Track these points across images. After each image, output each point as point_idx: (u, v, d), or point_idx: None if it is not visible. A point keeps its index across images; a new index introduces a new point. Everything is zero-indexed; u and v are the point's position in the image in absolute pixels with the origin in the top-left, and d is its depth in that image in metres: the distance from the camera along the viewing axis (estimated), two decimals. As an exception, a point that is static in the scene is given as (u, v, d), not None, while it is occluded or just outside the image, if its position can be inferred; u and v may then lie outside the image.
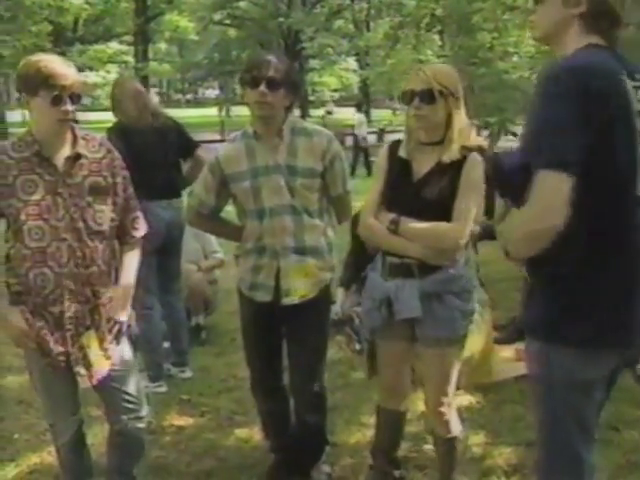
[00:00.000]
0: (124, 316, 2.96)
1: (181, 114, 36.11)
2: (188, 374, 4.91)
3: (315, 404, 3.41)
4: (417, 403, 3.98)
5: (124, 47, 37.50)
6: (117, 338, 2.94)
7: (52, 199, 2.75)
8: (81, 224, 2.79)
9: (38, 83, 2.66)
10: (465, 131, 2.87)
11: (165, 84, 64.45)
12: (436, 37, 24.20)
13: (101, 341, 2.89)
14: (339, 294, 5.85)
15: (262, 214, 3.14)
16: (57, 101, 2.68)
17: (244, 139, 3.19)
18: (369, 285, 3.11)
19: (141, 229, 3.05)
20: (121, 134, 4.33)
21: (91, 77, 40.35)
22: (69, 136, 2.83)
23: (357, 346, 5.21)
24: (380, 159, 3.08)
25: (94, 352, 2.87)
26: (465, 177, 2.84)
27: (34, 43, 20.26)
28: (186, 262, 5.65)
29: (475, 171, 2.84)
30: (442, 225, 2.83)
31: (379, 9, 31.46)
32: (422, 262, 2.88)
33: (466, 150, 2.87)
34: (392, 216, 2.90)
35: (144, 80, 35.03)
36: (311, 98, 46.12)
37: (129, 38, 38.19)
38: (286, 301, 3.18)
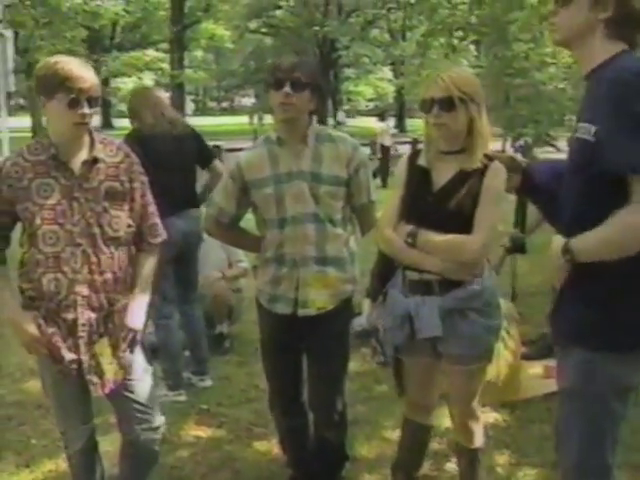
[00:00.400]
0: (139, 324, 2.89)
1: (216, 121, 36.42)
2: (208, 383, 4.84)
3: (335, 421, 3.31)
4: (441, 419, 3.86)
5: (160, 54, 37.90)
6: (131, 347, 2.88)
7: (68, 203, 2.70)
8: (97, 230, 2.74)
9: (55, 85, 2.61)
10: (486, 139, 2.77)
11: (202, 92, 64.88)
12: (472, 47, 24.14)
13: (114, 349, 2.83)
14: (365, 305, 5.72)
15: (283, 222, 3.05)
16: (74, 104, 2.63)
17: (267, 145, 3.11)
18: (389, 302, 3.02)
19: (159, 236, 2.99)
20: (138, 141, 4.25)
21: (128, 84, 40.94)
22: (86, 140, 2.78)
23: (382, 358, 5.08)
24: (399, 169, 2.99)
25: (107, 360, 2.81)
26: (486, 186, 2.75)
27: (68, 48, 20.43)
28: (212, 270, 5.62)
29: (497, 180, 2.75)
30: (462, 237, 2.73)
31: (411, 17, 31.39)
32: (442, 277, 2.79)
33: (488, 158, 2.77)
34: (410, 228, 2.81)
35: (179, 87, 35.43)
36: (346, 107, 46.21)
37: (165, 46, 38.52)
38: (302, 312, 3.09)
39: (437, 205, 2.79)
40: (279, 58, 3.12)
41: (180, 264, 4.59)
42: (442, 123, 2.73)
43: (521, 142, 10.18)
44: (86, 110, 2.65)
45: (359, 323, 5.48)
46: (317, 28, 34.81)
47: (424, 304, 2.82)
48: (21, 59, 21.07)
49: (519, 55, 14.27)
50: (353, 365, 4.98)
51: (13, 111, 30.13)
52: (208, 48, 44.82)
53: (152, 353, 4.88)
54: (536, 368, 4.91)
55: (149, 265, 2.96)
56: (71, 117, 2.65)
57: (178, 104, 35.51)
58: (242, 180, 3.11)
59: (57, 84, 2.60)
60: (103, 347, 2.81)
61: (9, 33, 12.36)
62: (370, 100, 55.20)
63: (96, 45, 31.66)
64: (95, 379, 2.79)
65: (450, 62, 16.19)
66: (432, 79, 2.78)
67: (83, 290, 2.72)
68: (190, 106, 41.02)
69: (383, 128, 18.84)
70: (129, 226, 2.84)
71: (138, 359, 2.94)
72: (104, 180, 2.77)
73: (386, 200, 2.99)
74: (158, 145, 4.31)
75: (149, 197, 2.95)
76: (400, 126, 40.79)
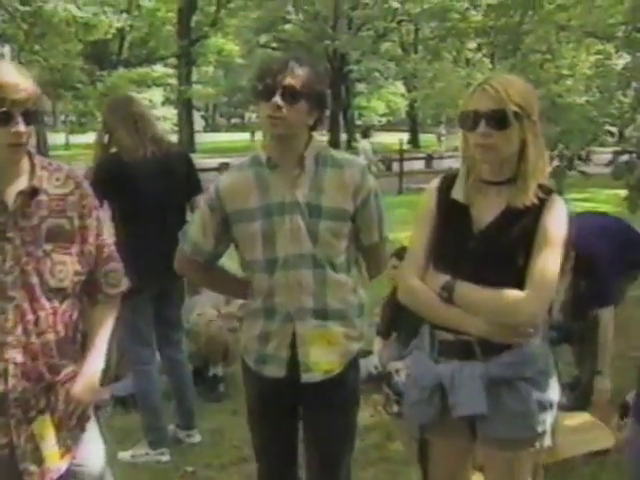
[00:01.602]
0: (91, 396, 2.31)
1: (226, 138, 36.07)
2: (196, 438, 4.23)
3: None
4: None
5: (169, 70, 37.55)
6: (81, 425, 2.30)
7: (-2, 246, 2.12)
8: (35, 279, 2.16)
9: None
10: (543, 167, 2.16)
11: (211, 108, 64.66)
12: (486, 60, 23.68)
13: (58, 429, 2.25)
14: (376, 344, 5.20)
15: (273, 266, 2.46)
16: (6, 120, 2.04)
17: (254, 167, 2.52)
18: (415, 368, 2.42)
19: (119, 285, 2.41)
20: (113, 167, 3.71)
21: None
22: (25, 166, 2.20)
23: (395, 408, 4.50)
24: (426, 200, 2.36)
25: (48, 444, 2.23)
26: (543, 227, 2.14)
27: (62, 62, 20.01)
28: (207, 307, 5.11)
29: (557, 219, 2.15)
30: (512, 293, 2.12)
31: (422, 28, 31.02)
32: (485, 339, 2.19)
33: (545, 191, 2.17)
34: (445, 279, 2.21)
35: (187, 103, 35.07)
36: (358, 122, 45.77)
37: (174, 61, 38.22)
38: (307, 378, 2.49)
39: (479, 251, 2.19)
40: (269, 60, 2.53)
41: (161, 302, 4.00)
42: (490, 144, 2.12)
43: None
44: (21, 128, 2.06)
45: (373, 364, 5.04)
46: (327, 42, 34.47)
47: (462, 372, 2.21)
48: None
49: (535, 67, 13.75)
50: (362, 416, 4.39)
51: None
52: (218, 63, 44.48)
53: (132, 402, 4.35)
54: (574, 420, 4.27)
55: (106, 322, 2.40)
56: (3, 136, 2.06)
57: (186, 120, 35.26)
58: (222, 211, 2.52)
59: None
60: (43, 427, 2.23)
61: (7, 49, 11.94)
62: (382, 115, 54.80)
63: (103, 61, 31.32)
64: (32, 468, 2.21)
65: (463, 74, 15.64)
66: (478, 87, 2.18)
67: (16, 356, 2.15)
68: (199, 122, 40.59)
69: (365, 146, 17.48)
70: (77, 273, 2.25)
71: (90, 439, 2.36)
72: (46, 216, 2.19)
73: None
74: (139, 171, 3.70)
75: (106, 237, 2.37)
76: (413, 141, 40.29)
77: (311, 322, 2.47)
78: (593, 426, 4.07)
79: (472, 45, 17.56)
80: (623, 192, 5.46)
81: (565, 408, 4.33)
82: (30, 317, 2.15)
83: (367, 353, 5.09)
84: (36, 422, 2.20)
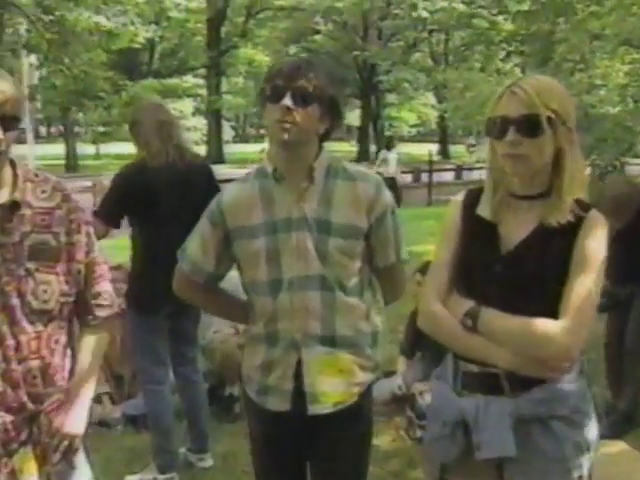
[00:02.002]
0: (79, 428, 2.12)
1: (254, 148, 36.12)
2: (208, 462, 4.01)
3: None
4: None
5: (199, 80, 37.66)
6: (67, 458, 2.11)
7: (-25, 264, 1.94)
8: (16, 300, 1.98)
9: None
10: (581, 179, 1.93)
11: (242, 118, 64.85)
12: (517, 70, 23.35)
13: (42, 464, 2.07)
14: (400, 364, 4.96)
15: (278, 287, 2.24)
16: None
17: (259, 179, 2.30)
18: (436, 400, 2.17)
19: (110, 307, 2.21)
20: (137, 174, 3.57)
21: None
22: (7, 176, 2.02)
23: (419, 433, 4.25)
24: (451, 215, 2.12)
25: (30, 478, 2.04)
26: (581, 248, 1.89)
27: (84, 71, 20.02)
28: (224, 324, 4.91)
29: (596, 239, 1.90)
30: (545, 324, 1.86)
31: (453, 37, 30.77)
32: (513, 372, 1.94)
33: (582, 207, 1.93)
34: (469, 305, 1.97)
35: (216, 114, 35.10)
36: (388, 134, 45.56)
37: (204, 72, 38.36)
38: (315, 410, 2.25)
39: (507, 274, 1.95)
40: (280, 62, 2.31)
41: (176, 318, 3.80)
42: (520, 154, 1.88)
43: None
44: (-1, 134, 1.88)
45: (398, 384, 4.78)
46: (357, 53, 34.41)
47: (488, 408, 1.96)
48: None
49: (566, 73, 13.46)
50: (383, 441, 4.19)
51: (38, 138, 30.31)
52: (247, 74, 44.58)
53: (143, 422, 4.17)
54: (610, 449, 3.99)
55: (96, 347, 2.20)
56: None
57: (216, 131, 35.31)
58: (224, 227, 2.30)
59: None
60: (25, 460, 2.06)
61: (32, 58, 11.92)
62: (413, 126, 54.49)
63: (133, 71, 31.48)
64: (13, 506, 2.02)
65: (494, 83, 15.33)
66: (505, 90, 1.93)
67: (-5, 385, 1.96)
68: (229, 133, 40.63)
69: (387, 158, 16.54)
70: (64, 294, 2.07)
71: (80, 474, 2.17)
72: (30, 232, 2.01)
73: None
74: (161, 179, 3.54)
75: (97, 255, 2.18)
76: (443, 152, 39.99)
77: (318, 349, 2.24)
78: (631, 457, 3.79)
79: (502, 54, 17.28)
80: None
81: (603, 435, 4.07)
82: (10, 342, 1.98)
83: (390, 373, 4.88)
84: (17, 455, 2.04)
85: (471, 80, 17.18)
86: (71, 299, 2.09)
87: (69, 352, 2.14)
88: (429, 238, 9.17)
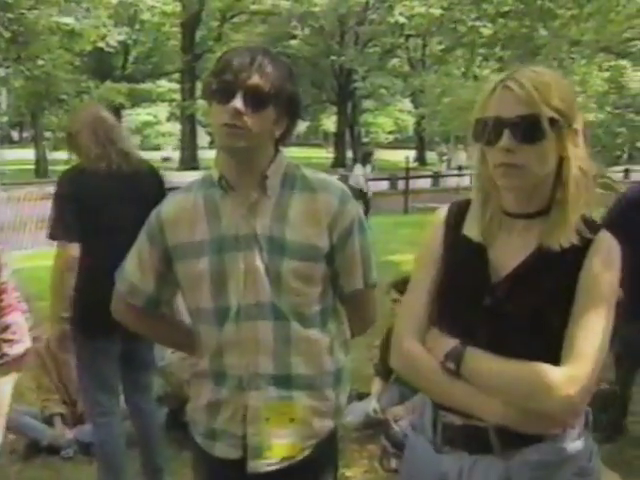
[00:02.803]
0: None
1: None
2: (165, 499, 3.65)
3: None
4: None
5: (174, 85, 37.25)
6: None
7: None
8: None
9: None
10: (587, 191, 1.59)
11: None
12: (494, 76, 23.24)
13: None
14: (375, 385, 4.62)
15: (224, 316, 1.90)
16: None
17: (203, 189, 1.96)
18: (411, 458, 1.81)
19: (19, 342, 1.86)
20: (74, 181, 3.22)
21: (141, 115, 40.28)
22: None
23: (394, 463, 3.91)
24: (430, 236, 1.78)
25: None
26: (589, 277, 1.55)
27: (46, 72, 19.47)
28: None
29: (607, 266, 1.56)
30: (544, 370, 1.52)
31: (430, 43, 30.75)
32: (505, 427, 1.60)
33: (590, 226, 1.59)
34: (452, 344, 1.62)
35: (191, 118, 34.69)
36: (365, 140, 45.40)
37: (178, 76, 38.01)
38: (255, 467, 1.91)
39: (499, 307, 1.60)
40: (231, 52, 1.95)
41: (128, 340, 3.40)
42: (516, 164, 1.54)
43: None
44: None
45: (373, 407, 4.43)
46: (333, 58, 34.29)
47: (473, 470, 1.62)
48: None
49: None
50: (354, 472, 3.86)
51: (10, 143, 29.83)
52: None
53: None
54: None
55: (2, 390, 1.83)
56: None
57: (190, 136, 34.94)
58: (163, 244, 1.96)
59: None
60: None
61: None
62: (390, 132, 54.48)
63: (107, 75, 30.99)
64: None
65: (472, 88, 15.15)
66: (498, 84, 1.58)
67: None
68: (205, 138, 40.15)
69: (357, 173, 15.35)
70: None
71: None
72: None
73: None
74: (102, 186, 3.21)
75: (5, 280, 1.82)
76: (420, 159, 39.93)
77: (269, 392, 1.90)
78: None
79: (479, 59, 17.10)
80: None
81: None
82: None
83: (364, 395, 4.56)
84: None
85: (449, 85, 17.06)
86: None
87: None
88: (406, 247, 8.90)
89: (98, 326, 3.28)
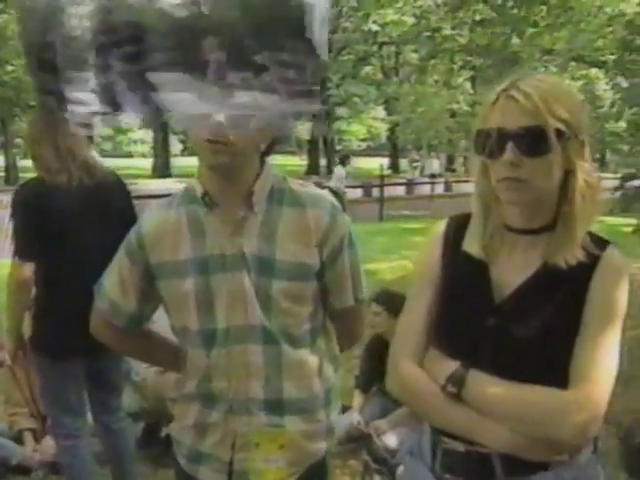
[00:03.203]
0: None
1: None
2: (137, 524, 3.51)
3: None
4: None
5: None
6: None
7: None
8: None
9: None
10: (594, 205, 1.52)
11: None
12: (467, 85, 23.40)
13: None
14: (355, 397, 4.53)
15: (211, 339, 1.81)
16: None
17: (185, 204, 1.86)
18: None
19: None
20: (33, 196, 3.02)
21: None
22: None
23: (377, 479, 3.83)
24: (428, 252, 1.70)
25: None
26: (598, 295, 1.48)
27: (16, 77, 19.10)
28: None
29: (615, 284, 1.49)
30: (552, 395, 1.45)
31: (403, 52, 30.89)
32: (509, 453, 1.51)
33: (597, 243, 1.52)
34: (453, 367, 1.54)
35: (163, 126, 34.38)
36: (338, 147, 45.38)
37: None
38: None
39: (502, 328, 1.52)
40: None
41: (94, 359, 3.22)
42: (521, 178, 1.46)
43: None
44: None
45: (357, 420, 4.32)
46: (307, 65, 34.17)
47: None
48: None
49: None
50: (335, 490, 3.77)
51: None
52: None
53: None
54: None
55: None
56: None
57: (162, 144, 34.69)
58: (145, 262, 1.86)
59: None
60: None
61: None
62: (363, 140, 54.62)
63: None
64: None
65: (446, 97, 15.25)
66: (500, 94, 1.49)
67: None
68: (177, 146, 39.94)
69: (340, 174, 16.42)
70: None
71: None
72: None
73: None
74: (64, 202, 3.02)
75: None
76: (394, 166, 40.00)
77: (260, 418, 1.81)
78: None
79: (456, 67, 17.19)
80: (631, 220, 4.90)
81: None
82: None
83: (346, 408, 4.46)
84: None
85: (422, 93, 17.13)
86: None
87: None
88: (382, 255, 8.82)
89: (59, 347, 3.13)
